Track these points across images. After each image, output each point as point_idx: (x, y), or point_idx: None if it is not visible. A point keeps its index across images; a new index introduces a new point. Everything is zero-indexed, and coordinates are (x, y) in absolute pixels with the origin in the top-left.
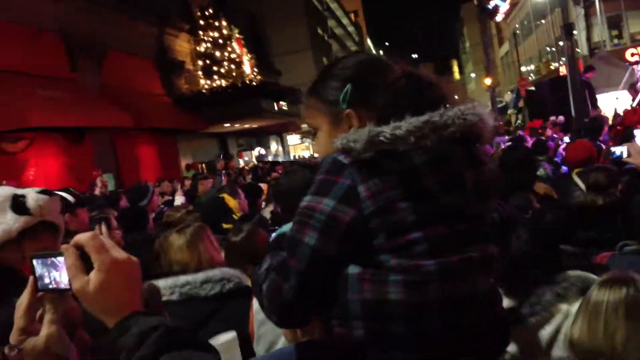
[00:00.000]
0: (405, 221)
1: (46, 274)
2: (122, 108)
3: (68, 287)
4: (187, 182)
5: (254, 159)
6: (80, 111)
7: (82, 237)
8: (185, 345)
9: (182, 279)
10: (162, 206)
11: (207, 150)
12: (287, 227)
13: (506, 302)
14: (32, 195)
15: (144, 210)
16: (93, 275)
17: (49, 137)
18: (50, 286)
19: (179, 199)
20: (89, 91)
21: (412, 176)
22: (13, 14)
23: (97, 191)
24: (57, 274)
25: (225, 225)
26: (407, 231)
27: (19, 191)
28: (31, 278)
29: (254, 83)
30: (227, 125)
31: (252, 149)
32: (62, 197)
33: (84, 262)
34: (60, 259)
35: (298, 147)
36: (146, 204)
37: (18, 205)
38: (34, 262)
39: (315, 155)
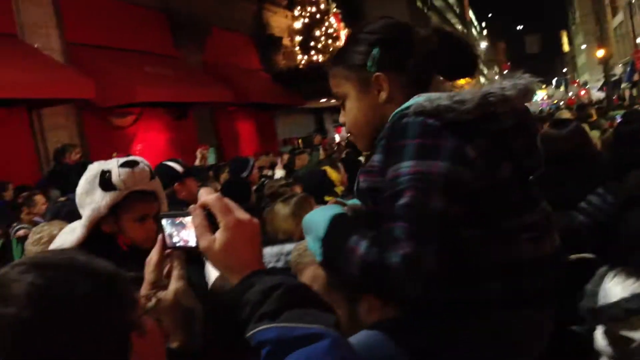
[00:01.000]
0: (512, 180)
1: (175, 232)
2: (223, 84)
3: (195, 245)
4: (285, 157)
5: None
6: (184, 87)
7: (208, 199)
8: (306, 304)
9: (287, 247)
10: (263, 179)
11: (303, 125)
12: (353, 201)
13: (631, 286)
14: (115, 171)
15: (247, 181)
16: (219, 234)
17: (154, 112)
18: (178, 244)
19: (279, 172)
20: (192, 68)
21: (504, 138)
22: None
23: (196, 163)
24: (185, 232)
25: (327, 198)
26: (516, 190)
27: (105, 166)
28: (160, 236)
29: None
30: (324, 100)
31: None
32: (169, 167)
33: (210, 223)
34: (188, 219)
35: None
36: (247, 175)
37: (104, 182)
38: (163, 221)
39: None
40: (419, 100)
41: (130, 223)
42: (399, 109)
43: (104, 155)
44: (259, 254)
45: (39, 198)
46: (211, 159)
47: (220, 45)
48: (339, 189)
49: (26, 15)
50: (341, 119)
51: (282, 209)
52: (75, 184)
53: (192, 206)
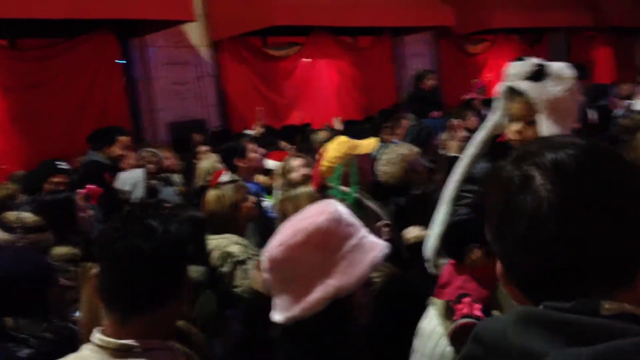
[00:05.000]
0: None
1: None
2: (581, 6)
3: None
4: None
5: None
6: (539, 12)
7: None
8: None
9: None
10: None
11: None
12: None
13: None
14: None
15: (608, 108)
16: None
17: (508, 38)
18: None
19: (639, 103)
20: None
21: None
22: None
23: None
24: None
25: None
26: None
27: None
28: None
29: None
30: None
31: None
32: None
33: None
34: None
35: None
36: (605, 103)
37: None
38: None
39: None
40: None
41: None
42: None
43: (456, 81)
44: None
45: (404, 122)
46: None
47: None
48: None
49: None
50: None
51: None
52: (430, 110)
53: None
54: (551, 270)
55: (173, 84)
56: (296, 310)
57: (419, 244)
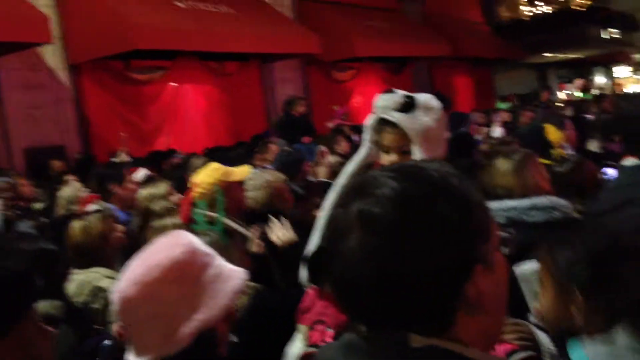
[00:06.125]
0: None
1: None
2: (441, 38)
3: None
4: (503, 114)
5: (575, 92)
6: (403, 41)
7: None
8: None
9: (508, 203)
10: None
11: (523, 81)
12: None
13: None
14: None
15: (469, 135)
16: None
17: (372, 66)
18: None
19: (496, 130)
20: (411, 20)
21: None
22: None
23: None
24: None
25: (541, 160)
26: None
27: None
28: None
29: (582, 8)
30: (548, 55)
31: (571, 81)
32: None
33: None
34: None
35: (627, 80)
36: (466, 131)
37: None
38: None
39: None
40: None
41: None
42: None
43: (324, 108)
44: None
45: (273, 147)
46: None
47: None
48: (557, 151)
49: None
50: None
51: (503, 164)
52: (301, 136)
53: None
54: (366, 310)
55: (28, 107)
56: (162, 349)
57: (290, 254)
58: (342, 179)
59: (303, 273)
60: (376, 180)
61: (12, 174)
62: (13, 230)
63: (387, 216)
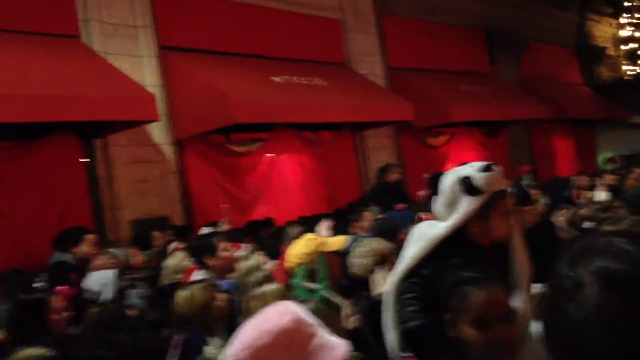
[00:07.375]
0: None
1: None
2: (539, 100)
3: None
4: (607, 177)
5: None
6: (498, 105)
7: None
8: None
9: None
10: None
11: (628, 141)
12: None
13: None
14: (476, 176)
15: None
16: None
17: (467, 131)
18: None
19: (601, 194)
20: (507, 84)
21: None
22: (443, 17)
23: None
24: None
25: None
26: None
27: (462, 172)
28: None
29: None
30: None
31: None
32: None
33: None
34: None
35: None
36: (568, 195)
37: (468, 187)
38: None
39: None
40: None
41: (499, 220)
42: None
43: (418, 174)
44: None
45: (368, 215)
46: (528, 179)
47: (538, 58)
48: None
49: (354, 45)
50: None
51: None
52: (395, 202)
53: None
54: None
55: (136, 181)
56: None
57: None
58: (424, 243)
59: (393, 343)
60: (609, 241)
61: (123, 245)
62: (123, 301)
63: (631, 272)
